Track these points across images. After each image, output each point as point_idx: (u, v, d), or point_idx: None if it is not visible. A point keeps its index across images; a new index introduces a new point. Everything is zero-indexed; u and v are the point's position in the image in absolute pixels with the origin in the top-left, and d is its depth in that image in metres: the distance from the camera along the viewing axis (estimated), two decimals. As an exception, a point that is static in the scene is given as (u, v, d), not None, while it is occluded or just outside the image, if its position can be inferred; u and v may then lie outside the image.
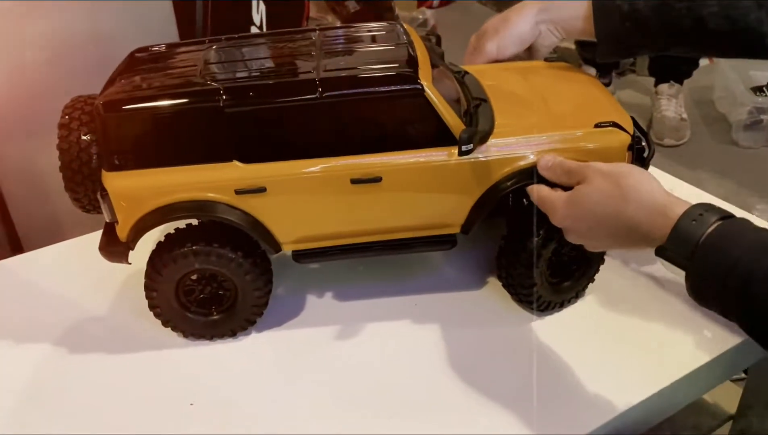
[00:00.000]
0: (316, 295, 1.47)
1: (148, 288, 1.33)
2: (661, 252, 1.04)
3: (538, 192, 1.22)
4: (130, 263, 1.32)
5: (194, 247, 1.29)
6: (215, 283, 1.35)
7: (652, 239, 1.06)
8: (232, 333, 1.38)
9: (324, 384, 1.28)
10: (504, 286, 1.40)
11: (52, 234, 2.00)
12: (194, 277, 1.34)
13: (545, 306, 1.36)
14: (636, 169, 1.13)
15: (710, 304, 1.02)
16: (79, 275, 1.58)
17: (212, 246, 1.29)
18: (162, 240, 1.33)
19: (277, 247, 1.33)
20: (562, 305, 1.39)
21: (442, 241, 1.35)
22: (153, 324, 1.38)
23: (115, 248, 1.31)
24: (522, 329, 1.36)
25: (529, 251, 1.29)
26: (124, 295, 1.51)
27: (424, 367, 1.29)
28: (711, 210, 1.02)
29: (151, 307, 1.35)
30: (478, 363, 1.29)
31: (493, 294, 1.44)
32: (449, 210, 1.31)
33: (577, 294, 1.40)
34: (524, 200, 1.28)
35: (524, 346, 1.32)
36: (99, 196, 1.27)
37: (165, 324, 1.37)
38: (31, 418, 1.26)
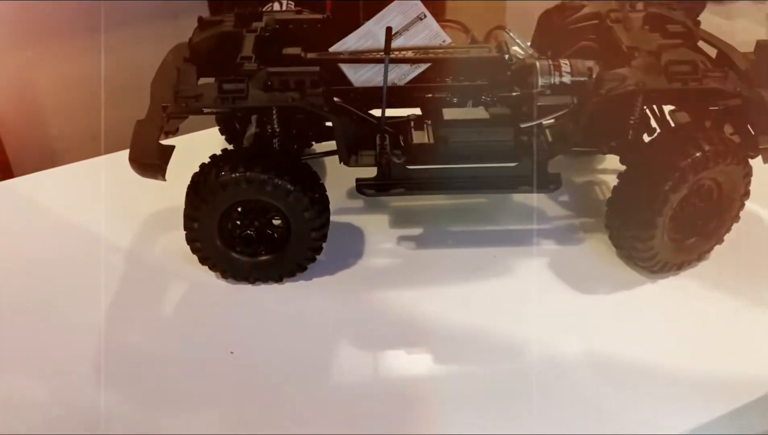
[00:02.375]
0: (378, 241, 1.27)
1: (189, 217, 1.14)
2: None
3: None
4: (165, 180, 1.11)
5: (248, 174, 1.10)
6: (264, 219, 1.17)
7: None
8: (279, 278, 1.19)
9: (382, 340, 1.11)
10: (611, 237, 1.21)
11: (45, 159, 1.80)
12: (239, 209, 1.15)
13: (660, 266, 1.19)
14: None
15: None
16: (89, 202, 1.38)
17: (269, 174, 1.10)
18: (207, 161, 1.13)
19: None
20: (680, 267, 1.21)
21: (545, 182, 1.17)
22: (187, 262, 1.18)
23: (149, 160, 1.10)
24: (630, 292, 1.17)
25: (653, 194, 1.11)
26: (147, 226, 1.32)
27: (513, 336, 1.12)
28: None
29: (190, 240, 1.15)
30: (572, 330, 1.12)
31: (588, 248, 1.25)
32: None
33: (701, 256, 1.22)
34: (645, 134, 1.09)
35: (629, 311, 1.15)
36: None
37: (203, 262, 1.18)
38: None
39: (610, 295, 1.17)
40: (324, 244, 1.19)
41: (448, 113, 1.18)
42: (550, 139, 1.19)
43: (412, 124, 1.21)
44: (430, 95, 1.22)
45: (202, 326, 1.13)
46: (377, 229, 1.30)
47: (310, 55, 1.21)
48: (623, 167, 1.22)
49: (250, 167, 1.10)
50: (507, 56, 1.20)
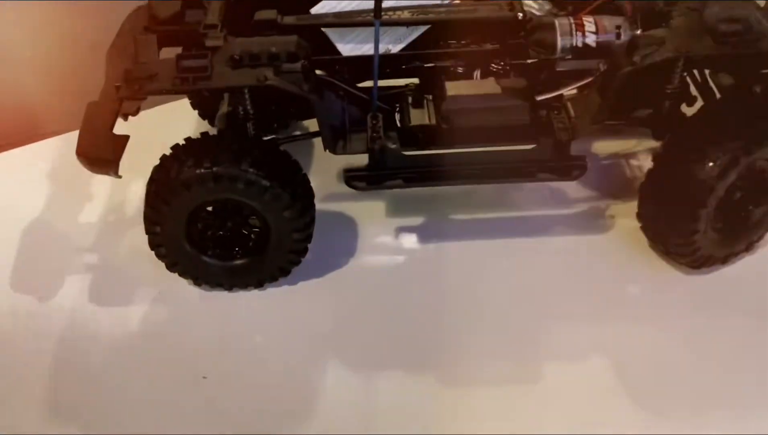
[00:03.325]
0: (373, 234, 1.13)
1: (150, 220, 0.99)
2: None
3: None
4: (119, 176, 0.96)
5: (215, 169, 0.94)
6: (239, 218, 1.02)
7: None
8: (259, 284, 1.06)
9: (380, 353, 0.98)
10: (644, 228, 1.06)
11: (27, 131, 1.66)
12: (210, 208, 1.00)
13: (702, 261, 1.04)
14: None
15: None
16: (61, 192, 1.23)
17: (240, 168, 0.94)
18: (168, 153, 0.98)
19: None
20: (725, 261, 1.06)
21: (568, 167, 1.02)
22: (155, 265, 1.04)
23: (99, 154, 0.95)
24: (666, 292, 1.04)
25: (697, 183, 0.95)
26: (111, 220, 1.18)
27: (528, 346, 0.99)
28: None
29: (153, 245, 1.01)
30: (598, 336, 0.99)
31: (616, 239, 1.10)
32: None
33: (749, 247, 1.06)
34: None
35: (666, 314, 1.01)
36: None
37: (171, 268, 1.04)
38: None
39: (642, 297, 1.04)
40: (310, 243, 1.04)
41: (452, 87, 1.01)
42: (572, 114, 1.02)
43: (409, 100, 1.04)
44: (430, 64, 1.06)
45: (169, 345, 1.00)
46: (372, 220, 1.15)
47: (287, 20, 1.04)
48: (656, 143, 1.05)
49: (218, 161, 0.94)
50: (520, 15, 1.03)
